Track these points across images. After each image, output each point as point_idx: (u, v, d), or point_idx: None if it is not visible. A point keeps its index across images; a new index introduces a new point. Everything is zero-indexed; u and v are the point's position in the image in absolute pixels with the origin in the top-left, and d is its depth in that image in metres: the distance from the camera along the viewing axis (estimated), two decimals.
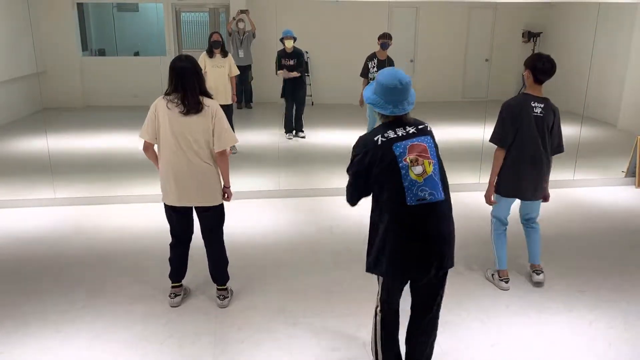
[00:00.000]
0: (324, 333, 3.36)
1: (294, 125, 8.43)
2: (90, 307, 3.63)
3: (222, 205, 3.58)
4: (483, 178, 3.95)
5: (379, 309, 2.73)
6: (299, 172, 6.75)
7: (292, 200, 5.74)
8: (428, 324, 2.76)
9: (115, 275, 4.08)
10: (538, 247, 4.01)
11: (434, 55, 11.30)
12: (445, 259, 2.56)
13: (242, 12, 9.69)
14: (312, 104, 10.06)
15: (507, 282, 3.92)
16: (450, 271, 2.67)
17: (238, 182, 5.79)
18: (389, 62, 7.19)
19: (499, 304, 3.73)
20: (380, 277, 2.69)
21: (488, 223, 4.08)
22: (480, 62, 11.45)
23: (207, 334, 3.35)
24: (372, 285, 2.74)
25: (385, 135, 2.52)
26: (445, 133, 8.38)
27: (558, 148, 3.78)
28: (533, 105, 3.63)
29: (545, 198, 3.89)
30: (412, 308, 2.77)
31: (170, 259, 3.68)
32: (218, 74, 6.84)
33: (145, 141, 3.42)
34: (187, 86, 3.28)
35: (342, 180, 2.69)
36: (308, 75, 9.55)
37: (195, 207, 3.53)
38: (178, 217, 3.53)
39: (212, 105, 3.36)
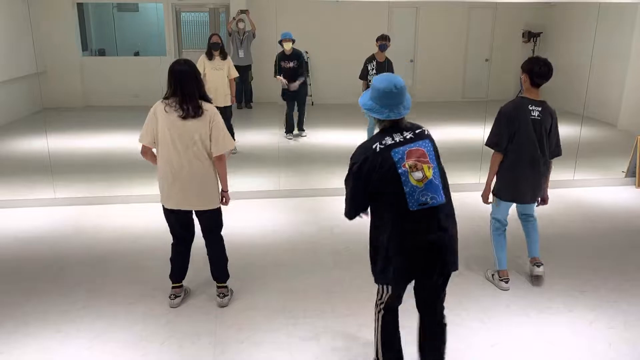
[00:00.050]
0: (324, 333, 3.36)
1: (296, 125, 8.44)
2: (90, 307, 3.63)
3: (219, 208, 3.60)
4: (483, 178, 3.95)
5: (379, 309, 2.74)
6: (299, 172, 6.75)
7: (292, 200, 5.74)
8: (437, 326, 2.78)
9: (115, 275, 4.08)
10: (536, 240, 4.03)
11: (434, 55, 11.29)
12: (448, 264, 2.60)
13: (242, 12, 9.70)
14: (312, 104, 10.06)
15: (507, 282, 3.93)
16: None
17: (238, 182, 5.81)
18: (388, 63, 7.15)
19: (499, 304, 3.73)
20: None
21: (488, 223, 4.08)
22: (480, 62, 11.44)
23: (207, 334, 3.35)
24: (372, 285, 2.74)
25: (383, 142, 2.54)
26: (445, 133, 8.40)
27: (556, 151, 3.79)
28: (530, 108, 3.64)
29: (544, 200, 3.90)
30: (417, 307, 2.80)
31: (171, 259, 3.68)
32: (217, 76, 6.83)
33: (143, 145, 3.42)
34: (185, 90, 3.28)
35: (342, 180, 2.68)
36: (308, 76, 9.54)
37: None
38: (176, 219, 3.55)
39: (210, 110, 3.37)
